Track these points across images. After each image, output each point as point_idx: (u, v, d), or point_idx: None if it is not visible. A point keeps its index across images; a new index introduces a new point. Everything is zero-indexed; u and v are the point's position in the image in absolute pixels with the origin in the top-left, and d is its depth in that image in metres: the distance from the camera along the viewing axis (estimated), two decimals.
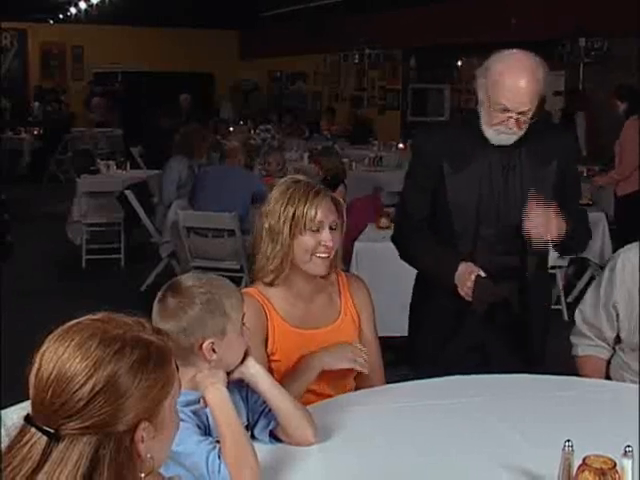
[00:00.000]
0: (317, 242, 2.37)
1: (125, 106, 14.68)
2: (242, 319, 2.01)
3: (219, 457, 1.85)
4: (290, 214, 2.34)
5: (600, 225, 6.40)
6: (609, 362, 2.84)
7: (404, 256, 2.92)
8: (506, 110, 2.60)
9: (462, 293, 2.64)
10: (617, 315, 2.74)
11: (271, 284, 2.43)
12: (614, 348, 2.82)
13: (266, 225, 2.38)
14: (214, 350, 1.94)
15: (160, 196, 7.42)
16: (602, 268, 6.18)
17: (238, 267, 6.22)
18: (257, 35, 18.81)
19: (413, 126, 13.00)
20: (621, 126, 6.99)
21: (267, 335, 2.40)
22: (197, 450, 1.85)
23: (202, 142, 7.75)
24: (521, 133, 2.66)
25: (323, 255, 2.39)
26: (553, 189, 2.73)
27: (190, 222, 6.25)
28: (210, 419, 1.96)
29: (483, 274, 2.62)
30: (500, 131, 2.66)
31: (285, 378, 2.30)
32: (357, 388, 2.53)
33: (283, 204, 2.35)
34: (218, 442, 1.89)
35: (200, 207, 6.38)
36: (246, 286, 2.57)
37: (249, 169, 7.67)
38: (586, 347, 2.84)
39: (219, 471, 1.83)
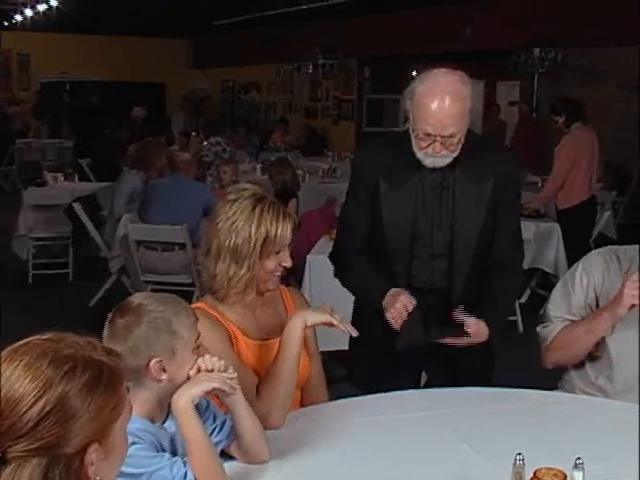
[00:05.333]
0: (278, 263, 2.39)
1: (73, 116, 14.55)
2: (197, 339, 2.00)
3: (185, 465, 1.86)
4: (262, 237, 2.32)
5: (554, 235, 6.49)
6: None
7: (338, 275, 2.96)
8: (429, 135, 2.58)
9: (387, 315, 2.67)
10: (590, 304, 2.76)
11: (222, 300, 2.42)
12: None
13: (228, 243, 2.33)
14: (164, 370, 1.93)
15: (110, 209, 7.36)
16: (556, 277, 6.31)
17: (190, 281, 6.19)
18: (209, 44, 18.80)
19: (368, 137, 13.10)
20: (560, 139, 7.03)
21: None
22: (159, 464, 1.85)
23: (160, 157, 7.70)
24: (454, 155, 2.66)
25: (279, 273, 2.42)
26: (487, 212, 2.75)
27: (140, 235, 6.20)
28: (177, 442, 1.96)
29: (413, 302, 2.64)
30: (429, 154, 2.64)
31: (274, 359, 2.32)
32: (302, 403, 2.54)
33: (254, 224, 2.32)
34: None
35: (150, 220, 6.34)
36: (196, 301, 2.56)
37: (200, 181, 7.65)
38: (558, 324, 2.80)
39: (185, 477, 1.84)
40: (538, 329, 2.84)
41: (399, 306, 2.64)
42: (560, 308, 2.83)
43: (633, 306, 2.53)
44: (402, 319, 2.64)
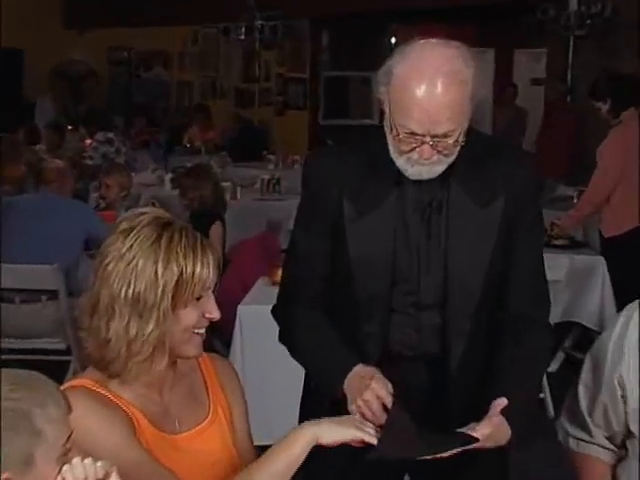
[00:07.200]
0: (200, 315, 2.40)
1: None
2: (68, 439, 1.98)
3: None
4: (174, 277, 2.32)
5: (597, 274, 6.46)
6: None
7: (284, 339, 2.97)
8: (414, 134, 2.57)
9: (352, 409, 2.60)
10: (623, 396, 2.71)
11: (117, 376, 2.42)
12: (625, 446, 2.79)
13: (125, 292, 2.32)
14: None
15: None
16: (600, 334, 6.29)
17: (63, 347, 6.16)
18: None
19: (327, 133, 13.18)
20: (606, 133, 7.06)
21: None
22: None
23: (17, 162, 7.68)
24: (449, 160, 2.66)
25: (202, 331, 2.43)
26: (495, 243, 2.77)
27: None
28: None
29: (389, 390, 2.60)
30: (413, 161, 2.64)
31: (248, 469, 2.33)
32: None
33: (161, 261, 2.32)
34: None
35: (3, 257, 6.32)
36: (74, 377, 2.54)
37: (81, 199, 7.66)
38: (582, 443, 2.85)
39: None
40: (564, 427, 2.91)
41: (370, 398, 2.57)
42: (585, 397, 2.83)
43: None
44: (377, 421, 2.53)
